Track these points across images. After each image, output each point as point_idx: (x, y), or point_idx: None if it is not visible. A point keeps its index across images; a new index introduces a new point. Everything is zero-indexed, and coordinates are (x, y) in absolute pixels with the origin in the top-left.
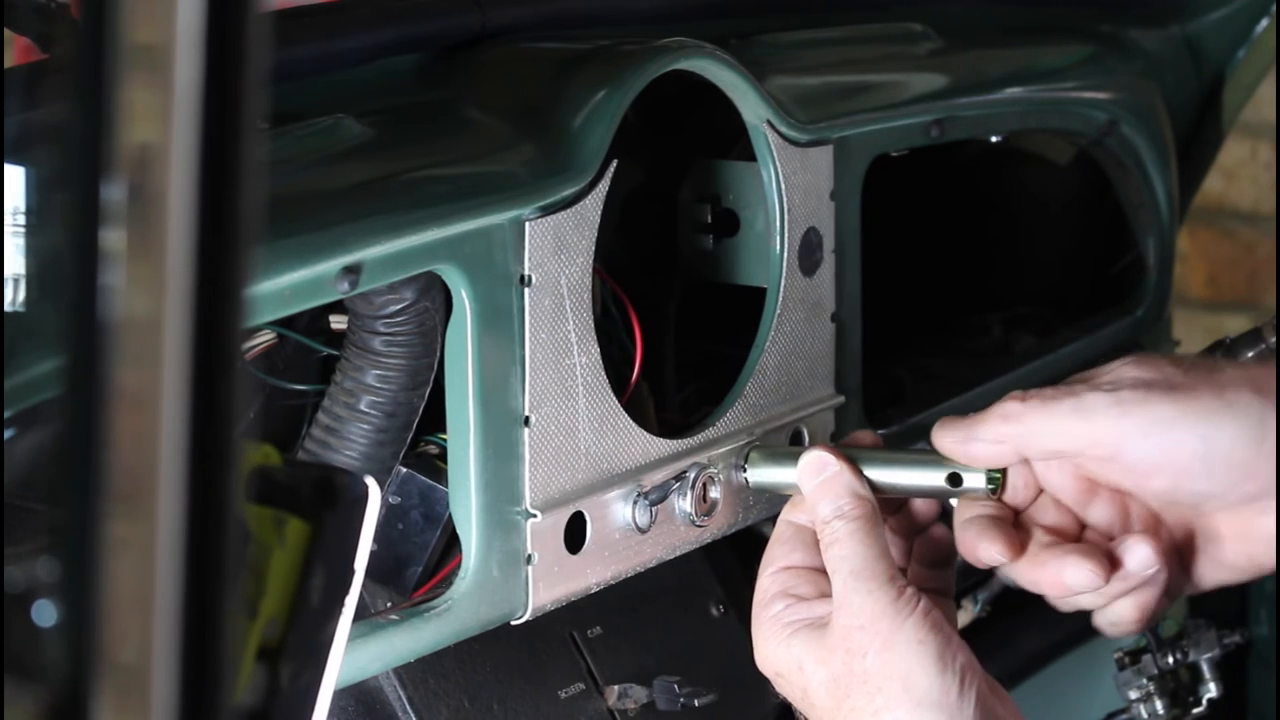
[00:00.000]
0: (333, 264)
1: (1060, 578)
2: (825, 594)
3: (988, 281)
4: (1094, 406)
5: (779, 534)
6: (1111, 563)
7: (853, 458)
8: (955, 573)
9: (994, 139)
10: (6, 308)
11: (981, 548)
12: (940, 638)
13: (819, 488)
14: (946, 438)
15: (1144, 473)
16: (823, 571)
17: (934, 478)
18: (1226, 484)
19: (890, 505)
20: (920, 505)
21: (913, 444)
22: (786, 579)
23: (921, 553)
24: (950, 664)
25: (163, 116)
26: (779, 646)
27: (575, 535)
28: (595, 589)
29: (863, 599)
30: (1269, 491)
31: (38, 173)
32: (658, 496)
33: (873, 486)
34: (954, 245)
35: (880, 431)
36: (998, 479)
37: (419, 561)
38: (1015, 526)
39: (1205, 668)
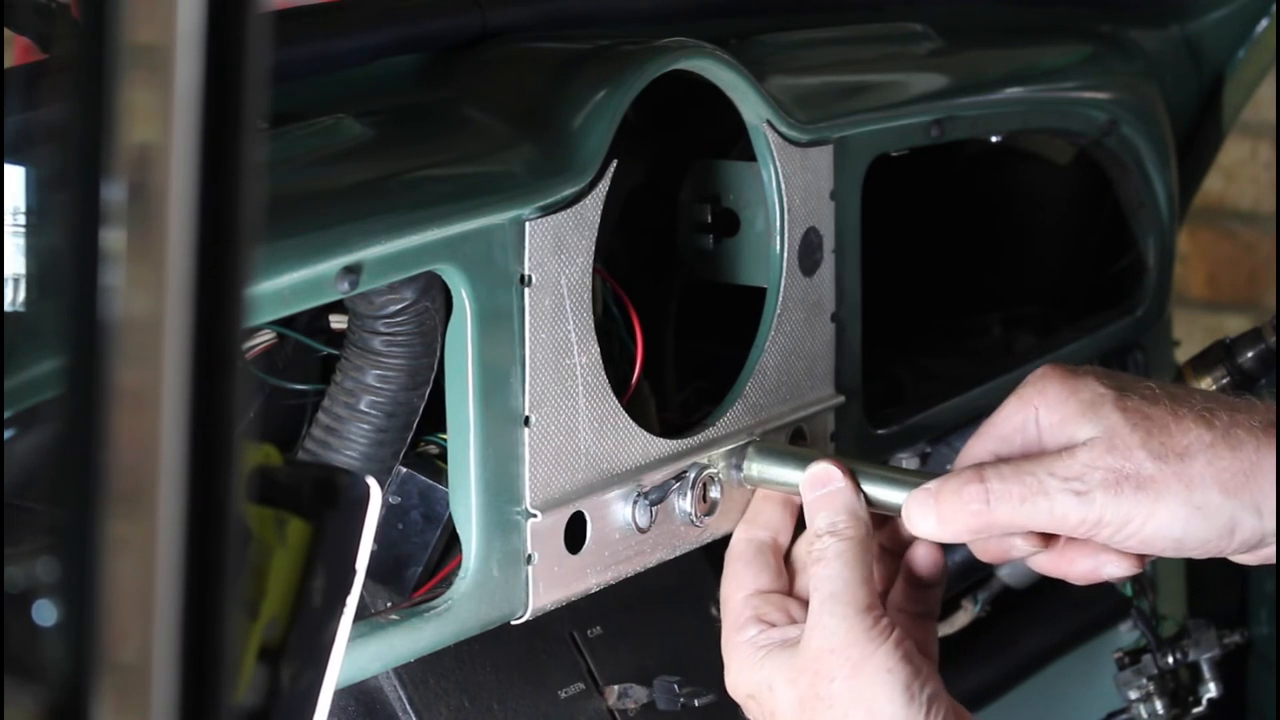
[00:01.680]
0: (333, 264)
1: (1098, 573)
2: (793, 619)
3: (988, 281)
4: (1066, 510)
5: (739, 553)
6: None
7: (854, 471)
8: (941, 593)
9: (994, 139)
10: (6, 308)
11: (1015, 546)
12: (910, 668)
13: (819, 499)
14: (919, 523)
15: (1118, 548)
16: (789, 594)
17: None
18: (1200, 557)
19: (880, 518)
20: None
21: (913, 444)
22: (758, 604)
23: (909, 571)
24: (917, 695)
25: (163, 116)
26: (752, 669)
27: (575, 535)
28: (595, 589)
29: (837, 622)
30: (1240, 553)
31: (38, 173)
32: (658, 496)
33: (871, 501)
34: (954, 245)
35: (880, 431)
36: None
37: (419, 561)
38: None
39: (1205, 668)
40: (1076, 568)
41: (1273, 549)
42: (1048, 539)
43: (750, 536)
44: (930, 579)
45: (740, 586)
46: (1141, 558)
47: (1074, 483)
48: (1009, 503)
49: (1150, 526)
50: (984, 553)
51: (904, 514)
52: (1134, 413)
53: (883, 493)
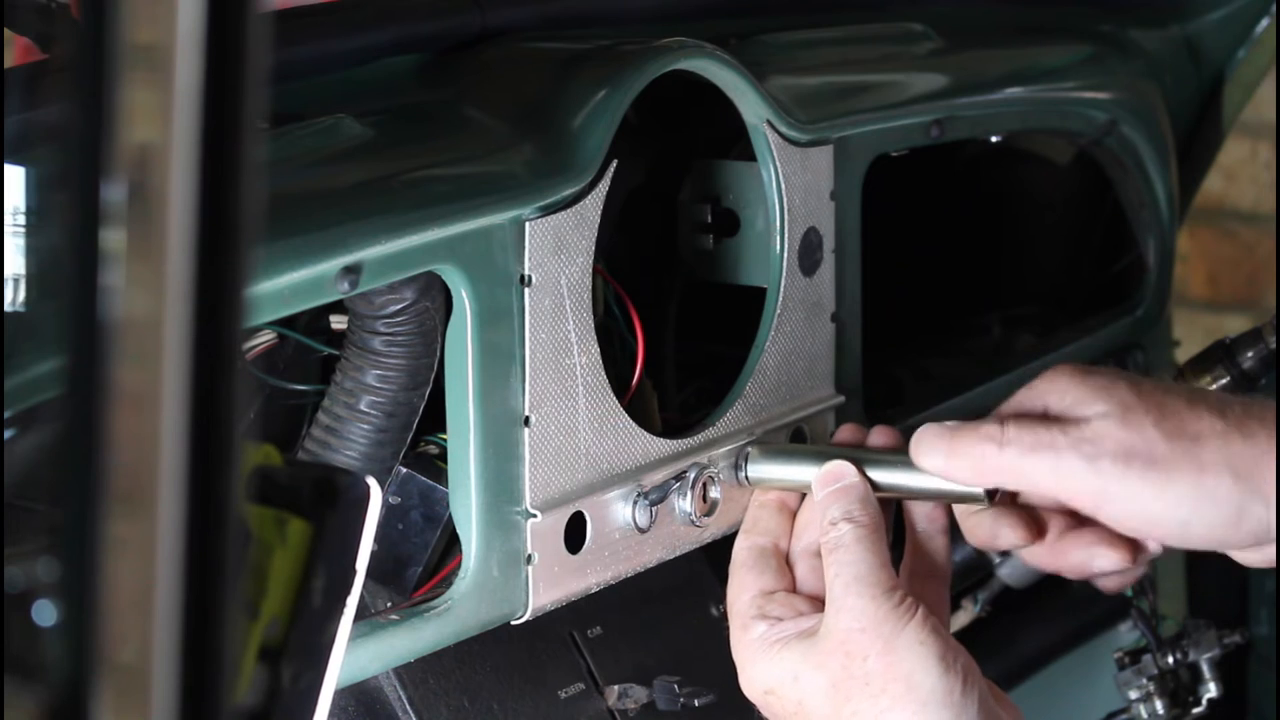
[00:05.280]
0: (333, 264)
1: (1090, 566)
2: (802, 613)
3: (988, 281)
4: (1071, 471)
5: (741, 560)
6: (1132, 545)
7: (860, 460)
8: (947, 544)
9: (994, 139)
10: (6, 308)
11: (1002, 534)
12: (942, 640)
13: (832, 494)
14: (928, 455)
15: (1121, 527)
16: (794, 592)
17: (928, 481)
18: (1204, 548)
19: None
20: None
21: None
22: (763, 603)
23: (911, 524)
24: (952, 664)
25: (163, 116)
26: (769, 662)
27: (575, 535)
28: (595, 589)
29: (865, 603)
30: (1246, 544)
31: (38, 173)
32: (658, 496)
33: (876, 487)
34: (954, 245)
35: None
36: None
37: (419, 561)
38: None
39: (1205, 668)
40: (1069, 559)
41: (1273, 549)
42: (1038, 531)
43: (751, 544)
44: (932, 526)
45: (745, 589)
46: (1136, 550)
47: (1084, 445)
48: (1019, 448)
49: (1158, 505)
50: (973, 536)
51: (913, 445)
52: (1147, 396)
53: (890, 477)
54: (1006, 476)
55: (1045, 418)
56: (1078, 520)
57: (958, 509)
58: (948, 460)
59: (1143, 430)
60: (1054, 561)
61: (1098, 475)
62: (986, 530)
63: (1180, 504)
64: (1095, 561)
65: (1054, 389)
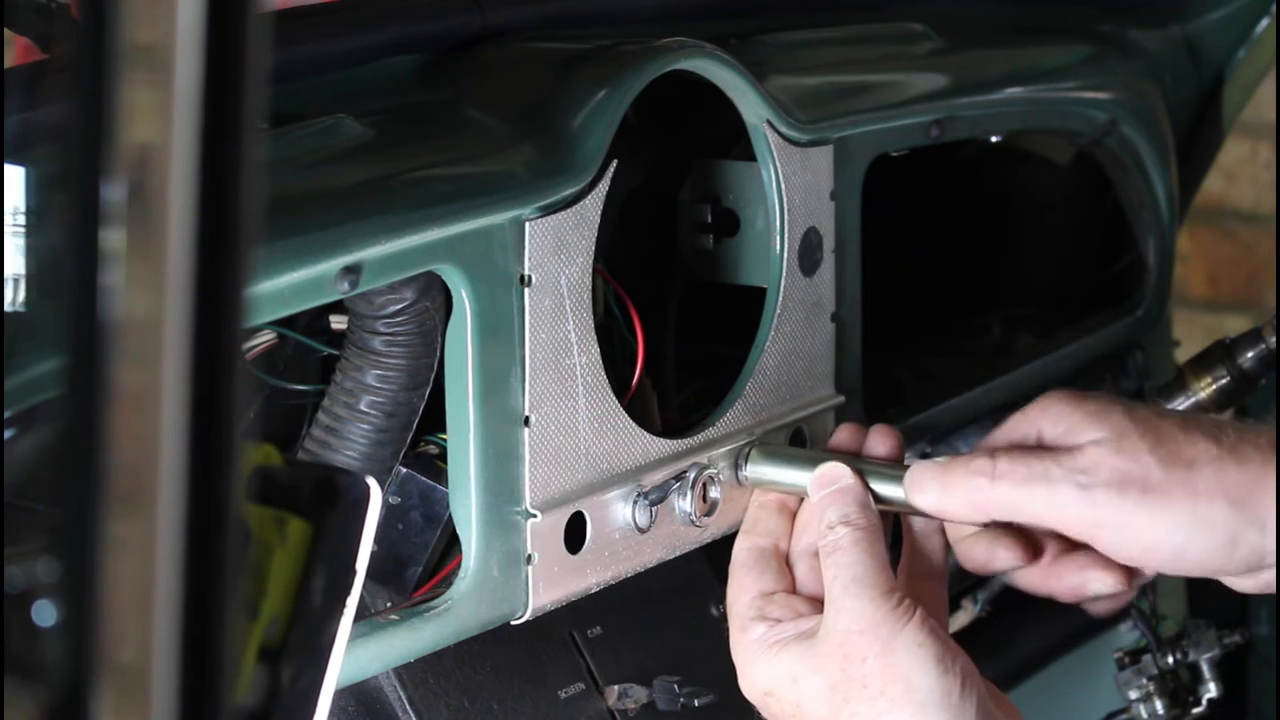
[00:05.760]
0: (333, 264)
1: (1084, 590)
2: (802, 614)
3: (988, 281)
4: (1066, 500)
5: (741, 561)
6: (1127, 569)
7: (859, 471)
8: (944, 544)
9: (994, 139)
10: (6, 308)
11: (997, 557)
12: (939, 642)
13: (829, 496)
14: (922, 493)
15: (1116, 556)
16: (794, 593)
17: None
18: (1199, 574)
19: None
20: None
21: (913, 444)
22: (763, 604)
23: (909, 528)
24: (950, 666)
25: (163, 116)
26: (768, 664)
27: (575, 535)
28: (595, 589)
29: (863, 605)
30: (1240, 571)
31: (38, 173)
32: (658, 496)
33: (875, 499)
34: (954, 245)
35: None
36: None
37: (419, 561)
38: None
39: (1205, 668)
40: (1063, 583)
41: (1273, 574)
42: (1034, 553)
43: (751, 545)
44: (929, 526)
45: (744, 590)
46: (1130, 574)
47: (1078, 475)
48: (1011, 481)
49: (1153, 532)
50: (967, 560)
51: (907, 483)
52: (1142, 421)
53: (883, 488)
54: (1001, 510)
55: (1039, 447)
56: (1072, 543)
57: (951, 533)
58: (941, 498)
59: (1138, 457)
60: (1048, 584)
61: (1093, 505)
62: (982, 553)
63: (1175, 530)
64: (1090, 585)
65: (1047, 415)
